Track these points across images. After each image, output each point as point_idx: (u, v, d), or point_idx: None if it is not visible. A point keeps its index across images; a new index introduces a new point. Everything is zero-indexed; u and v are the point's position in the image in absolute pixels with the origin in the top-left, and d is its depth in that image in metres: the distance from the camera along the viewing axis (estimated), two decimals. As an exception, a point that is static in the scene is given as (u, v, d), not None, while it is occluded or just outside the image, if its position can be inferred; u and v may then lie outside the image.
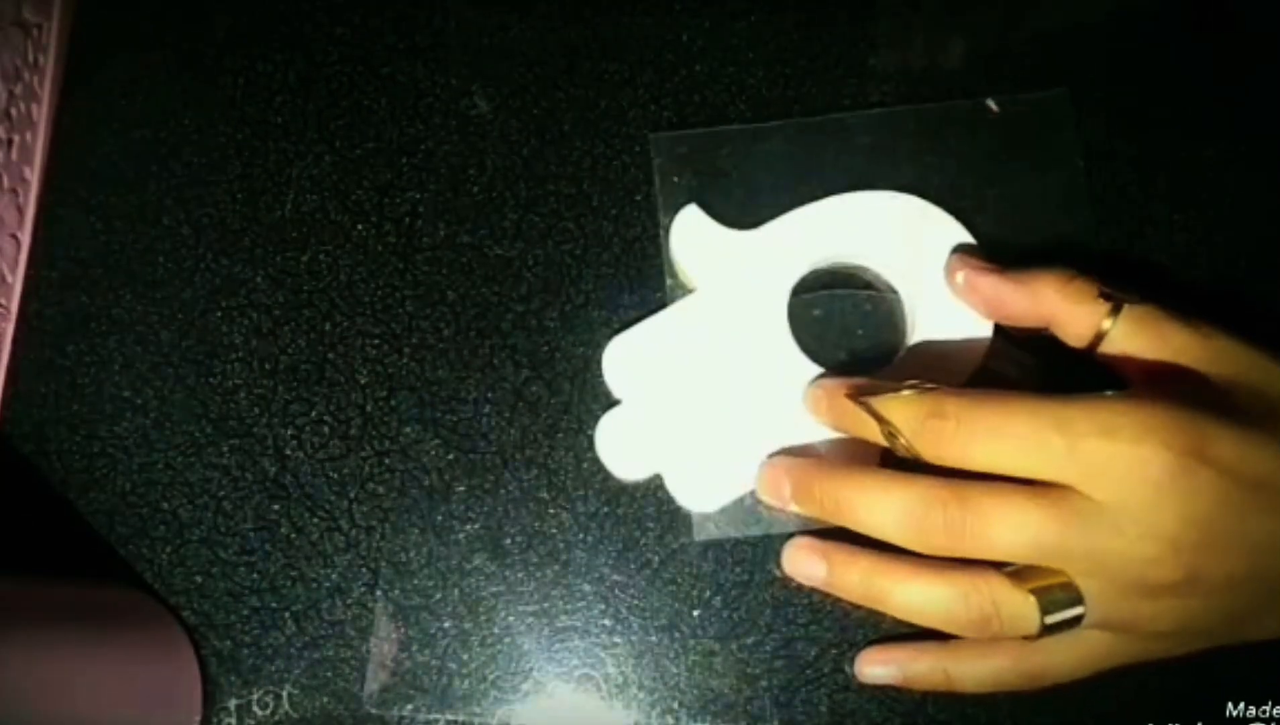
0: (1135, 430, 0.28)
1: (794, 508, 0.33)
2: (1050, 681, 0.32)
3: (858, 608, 0.35)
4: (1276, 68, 0.39)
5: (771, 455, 0.34)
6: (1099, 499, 0.28)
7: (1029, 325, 0.34)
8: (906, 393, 0.30)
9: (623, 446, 0.35)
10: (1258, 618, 0.30)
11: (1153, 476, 0.28)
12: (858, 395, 0.31)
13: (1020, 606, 0.29)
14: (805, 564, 0.33)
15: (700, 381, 0.36)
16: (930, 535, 0.29)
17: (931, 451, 0.30)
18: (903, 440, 0.30)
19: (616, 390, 0.36)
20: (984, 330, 0.36)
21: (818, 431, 0.35)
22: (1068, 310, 0.32)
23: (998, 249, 0.36)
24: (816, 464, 0.33)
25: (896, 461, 0.31)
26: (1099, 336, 0.32)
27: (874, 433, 0.31)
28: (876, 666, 0.34)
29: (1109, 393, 0.29)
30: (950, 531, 0.29)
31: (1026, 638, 0.30)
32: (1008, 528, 0.28)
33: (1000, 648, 0.32)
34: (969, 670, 0.32)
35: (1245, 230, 0.38)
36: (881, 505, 0.30)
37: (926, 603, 0.30)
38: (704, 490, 0.35)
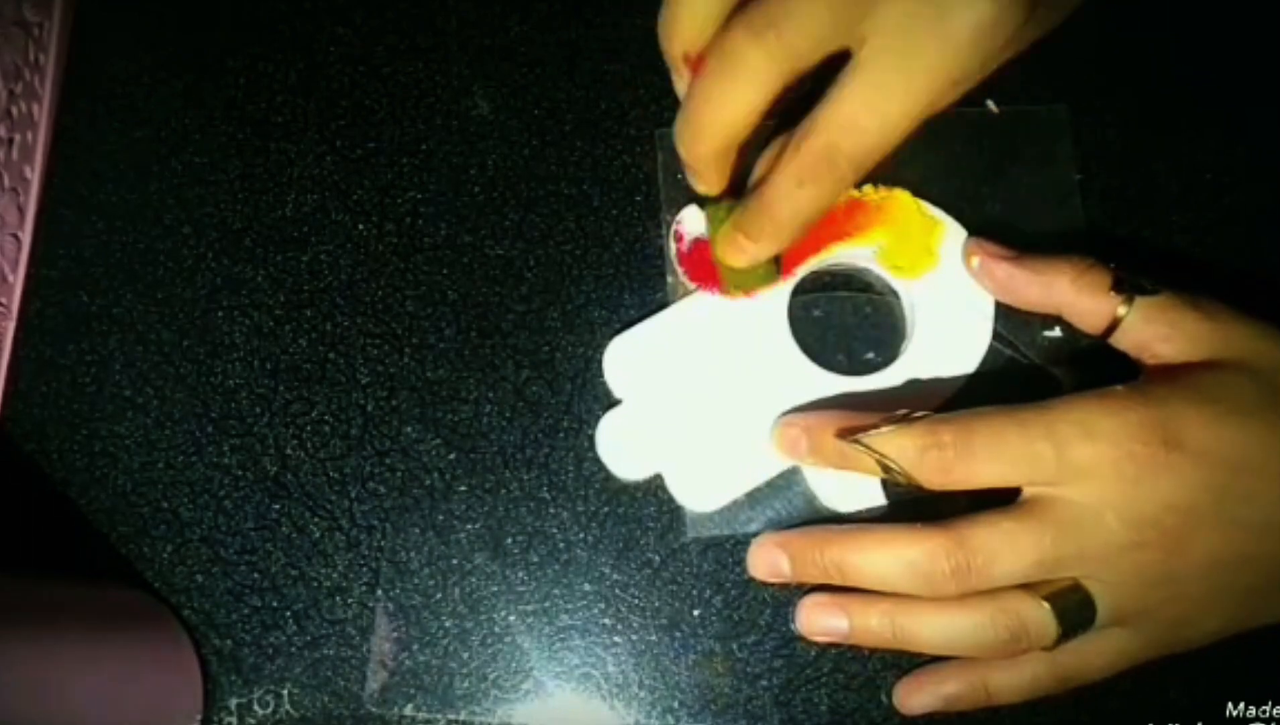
0: (1113, 428, 0.29)
1: (794, 581, 0.34)
2: (1084, 680, 0.32)
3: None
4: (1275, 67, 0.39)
5: (756, 538, 0.34)
6: (1083, 501, 0.29)
7: (1043, 312, 0.34)
8: (898, 426, 0.31)
9: (623, 446, 0.36)
10: (1268, 598, 0.31)
11: (1129, 471, 0.29)
12: (847, 435, 0.31)
13: (1040, 614, 0.30)
14: (824, 620, 0.33)
15: (701, 381, 0.36)
16: (940, 584, 0.30)
17: (934, 480, 0.30)
18: (900, 473, 0.30)
19: (617, 390, 0.36)
20: (983, 330, 0.36)
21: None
22: (1082, 301, 0.33)
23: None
24: (811, 535, 0.33)
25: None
26: (1113, 324, 0.32)
27: (866, 467, 0.31)
28: (917, 696, 0.34)
29: (1092, 392, 0.30)
30: (958, 577, 0.30)
31: (1044, 648, 0.30)
32: (1007, 558, 0.29)
33: (1032, 653, 0.32)
34: (1006, 681, 0.32)
35: (1244, 232, 0.38)
36: (885, 564, 0.31)
37: (955, 633, 0.31)
38: (704, 490, 0.35)
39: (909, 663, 0.35)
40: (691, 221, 0.36)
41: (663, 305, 0.37)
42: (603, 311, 0.38)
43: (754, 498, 0.35)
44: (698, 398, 0.36)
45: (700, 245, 0.36)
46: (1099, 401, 0.30)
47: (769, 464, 0.35)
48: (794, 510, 0.36)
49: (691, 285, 0.37)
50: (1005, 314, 0.36)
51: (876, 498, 0.35)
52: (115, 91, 0.40)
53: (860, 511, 0.35)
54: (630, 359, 0.36)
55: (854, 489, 0.35)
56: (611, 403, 0.36)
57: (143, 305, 0.38)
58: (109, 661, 0.32)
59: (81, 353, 0.38)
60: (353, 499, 0.37)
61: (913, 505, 0.33)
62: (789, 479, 0.36)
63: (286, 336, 0.38)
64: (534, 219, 0.39)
